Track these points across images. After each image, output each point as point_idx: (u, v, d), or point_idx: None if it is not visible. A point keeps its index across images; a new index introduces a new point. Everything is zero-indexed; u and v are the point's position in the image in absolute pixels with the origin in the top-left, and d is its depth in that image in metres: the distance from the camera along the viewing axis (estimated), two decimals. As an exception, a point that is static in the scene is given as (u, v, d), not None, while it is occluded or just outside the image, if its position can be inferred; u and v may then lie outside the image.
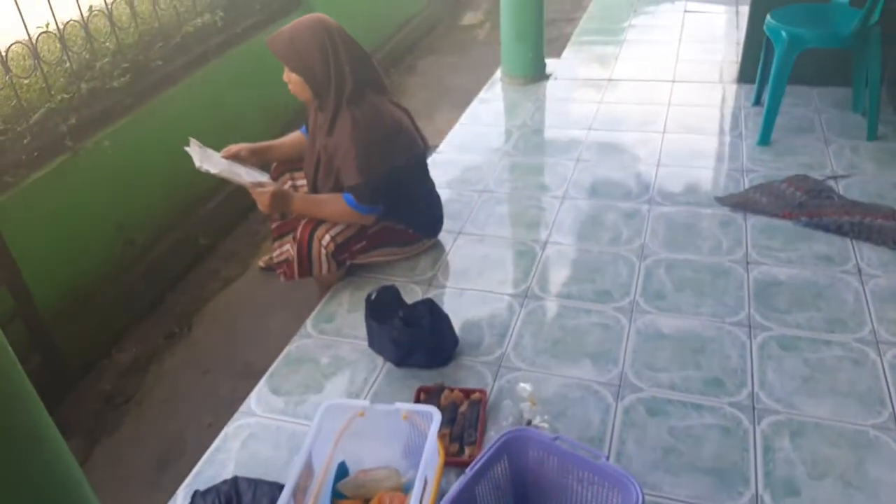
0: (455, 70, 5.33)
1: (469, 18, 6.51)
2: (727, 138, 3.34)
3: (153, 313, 2.94)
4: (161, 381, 2.57)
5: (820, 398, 1.91)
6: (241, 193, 3.41)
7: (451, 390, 1.92)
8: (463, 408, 1.87)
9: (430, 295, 2.43)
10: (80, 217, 2.62)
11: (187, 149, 2.37)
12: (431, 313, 2.03)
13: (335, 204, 2.32)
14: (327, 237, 2.34)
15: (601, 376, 2.01)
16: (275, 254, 2.77)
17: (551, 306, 2.32)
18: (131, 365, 2.67)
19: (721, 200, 2.80)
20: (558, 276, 2.47)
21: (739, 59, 3.99)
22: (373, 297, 2.08)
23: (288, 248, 2.60)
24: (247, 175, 2.39)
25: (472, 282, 2.48)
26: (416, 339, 2.01)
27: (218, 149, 2.50)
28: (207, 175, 2.29)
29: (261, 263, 3.13)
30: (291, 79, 2.27)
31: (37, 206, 2.43)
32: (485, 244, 2.69)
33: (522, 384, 1.90)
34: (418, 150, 2.46)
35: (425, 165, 2.58)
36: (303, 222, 2.39)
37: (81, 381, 2.60)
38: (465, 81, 5.07)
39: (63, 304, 2.57)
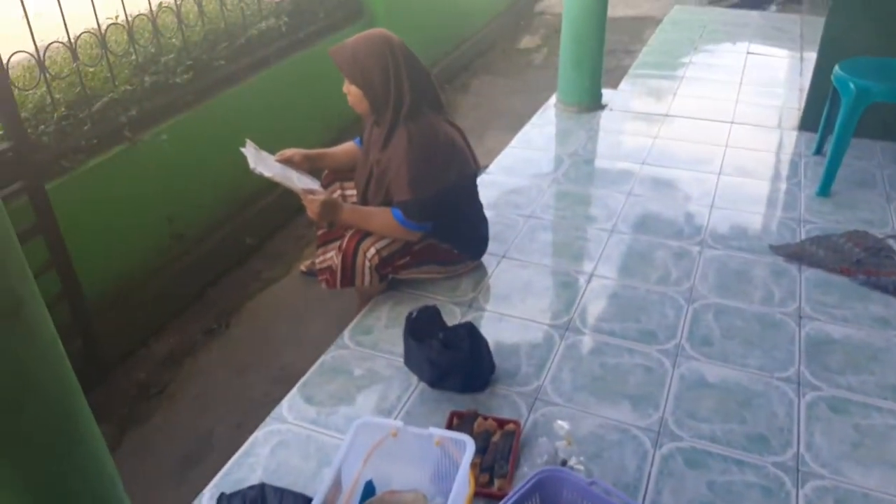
0: (509, 92, 5.33)
1: (526, 42, 6.51)
2: (785, 186, 3.26)
3: (193, 307, 2.96)
4: (195, 376, 2.58)
5: (868, 467, 1.82)
6: (289, 196, 3.42)
7: (485, 418, 1.88)
8: (496, 438, 1.83)
9: (469, 317, 2.40)
10: (132, 207, 2.66)
11: (243, 150, 2.39)
12: (471, 337, 2.00)
13: (383, 218, 2.32)
14: (372, 250, 2.33)
15: (640, 420, 1.95)
16: (318, 259, 2.78)
17: (593, 342, 2.27)
18: (167, 357, 2.69)
19: (776, 249, 2.73)
20: (602, 310, 2.42)
21: (802, 106, 3.90)
22: (413, 315, 2.05)
23: (332, 256, 2.60)
24: (298, 181, 2.40)
25: (513, 308, 2.44)
26: (454, 362, 1.98)
27: (272, 152, 2.51)
28: (259, 177, 2.30)
29: (303, 268, 3.14)
30: (351, 91, 2.29)
31: (91, 193, 2.47)
32: (528, 270, 2.66)
33: (560, 422, 1.85)
34: (470, 171, 2.45)
35: (475, 186, 2.56)
36: (349, 233, 2.39)
37: (118, 368, 2.62)
38: (518, 104, 5.06)
39: (108, 291, 2.60)
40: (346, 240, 2.38)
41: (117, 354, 2.65)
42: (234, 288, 3.08)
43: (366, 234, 2.36)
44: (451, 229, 2.48)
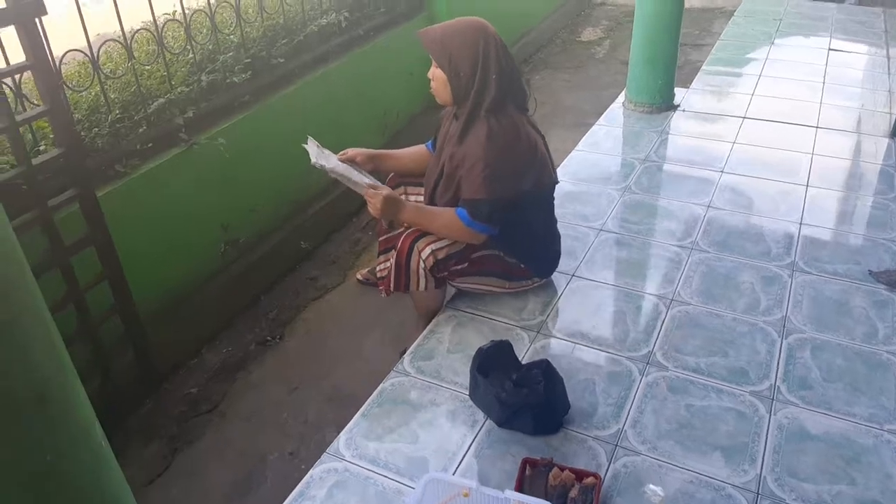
0: (570, 88, 5.09)
1: (588, 34, 6.24)
2: (882, 201, 2.98)
3: (246, 316, 2.85)
4: (247, 391, 2.47)
5: None
6: (345, 199, 3.33)
7: (561, 469, 1.71)
8: (573, 493, 1.66)
9: (538, 344, 2.22)
10: (186, 214, 2.55)
11: (305, 145, 2.25)
12: (546, 377, 1.83)
13: (447, 217, 2.15)
14: (427, 250, 2.16)
15: (735, 477, 1.75)
16: (378, 268, 2.64)
17: (677, 379, 2.07)
18: (219, 368, 2.59)
19: (877, 276, 2.47)
20: (685, 342, 2.21)
21: (893, 110, 3.59)
22: (484, 350, 1.88)
23: (391, 264, 2.45)
24: (360, 177, 2.25)
25: (585, 335, 2.26)
26: (526, 403, 1.81)
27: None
28: (321, 170, 2.17)
29: (359, 276, 3.00)
30: (436, 75, 2.13)
31: (145, 200, 2.37)
32: (601, 292, 2.46)
33: (652, 487, 1.67)
34: (548, 180, 2.27)
35: (552, 199, 2.38)
36: (406, 232, 2.23)
37: (169, 380, 2.53)
38: (581, 101, 4.83)
39: (160, 300, 2.51)
40: (401, 239, 2.23)
41: (169, 366, 2.56)
42: (289, 296, 2.96)
43: (422, 235, 2.19)
44: (519, 241, 2.30)
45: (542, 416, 1.85)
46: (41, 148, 2.06)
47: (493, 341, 1.94)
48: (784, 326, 2.27)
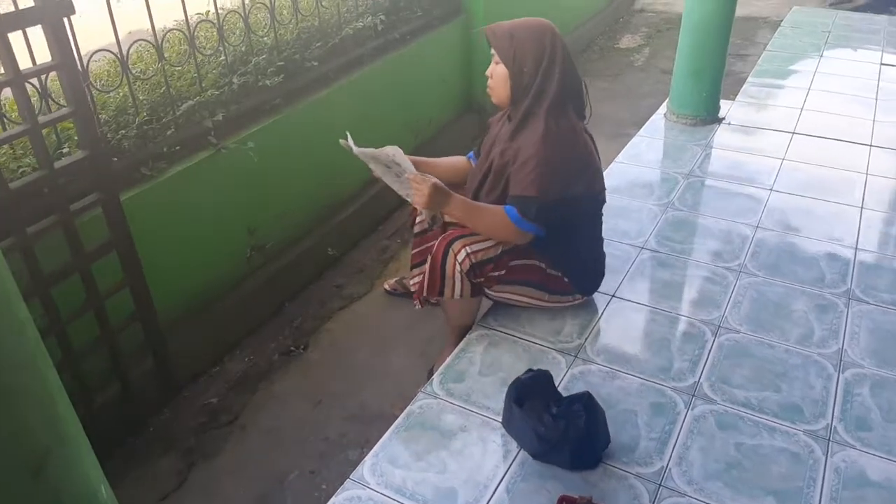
0: (609, 96, 4.95)
1: (627, 41, 6.09)
2: (943, 226, 2.81)
3: (271, 324, 2.77)
4: (269, 403, 2.38)
5: None
6: (374, 204, 3.24)
7: (602, 509, 1.59)
8: (615, 536, 1.54)
9: (576, 370, 2.10)
10: (212, 218, 2.48)
11: (342, 141, 2.16)
12: (587, 410, 1.70)
13: (494, 214, 2.05)
14: (463, 253, 2.06)
15: (791, 527, 1.62)
16: (412, 281, 2.53)
17: (725, 414, 1.93)
18: (241, 378, 2.51)
19: (941, 308, 2.31)
20: (734, 374, 2.07)
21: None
22: (522, 380, 1.77)
23: (426, 267, 2.36)
24: (408, 164, 2.13)
25: (627, 362, 2.13)
26: (565, 437, 1.69)
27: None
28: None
29: (386, 286, 2.90)
30: (496, 72, 2.06)
31: (170, 204, 2.29)
32: (644, 315, 2.33)
33: None
34: (599, 188, 2.18)
35: (601, 213, 2.26)
36: (442, 236, 2.13)
37: (189, 389, 2.46)
38: (619, 110, 4.69)
39: (182, 306, 2.43)
40: (437, 242, 2.13)
41: (190, 374, 2.49)
42: (314, 304, 2.87)
43: (459, 237, 2.09)
44: (564, 252, 2.18)
45: (581, 451, 1.73)
46: (65, 150, 1.99)
47: (530, 371, 1.82)
48: (841, 360, 2.12)
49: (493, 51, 2.06)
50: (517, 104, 2.04)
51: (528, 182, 1.98)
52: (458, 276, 2.08)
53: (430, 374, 2.21)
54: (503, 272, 2.14)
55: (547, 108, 1.99)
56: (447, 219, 2.23)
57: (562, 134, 1.99)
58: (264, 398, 2.41)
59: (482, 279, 2.12)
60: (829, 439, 1.84)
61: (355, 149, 2.12)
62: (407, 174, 2.04)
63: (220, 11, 2.51)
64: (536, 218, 2.01)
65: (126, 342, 2.16)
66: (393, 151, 2.04)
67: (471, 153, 2.38)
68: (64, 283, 1.89)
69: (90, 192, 1.95)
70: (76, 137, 1.97)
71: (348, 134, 2.19)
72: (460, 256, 2.06)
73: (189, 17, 2.42)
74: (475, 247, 2.07)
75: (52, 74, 1.92)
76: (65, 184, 1.87)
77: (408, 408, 2.01)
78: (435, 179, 2.02)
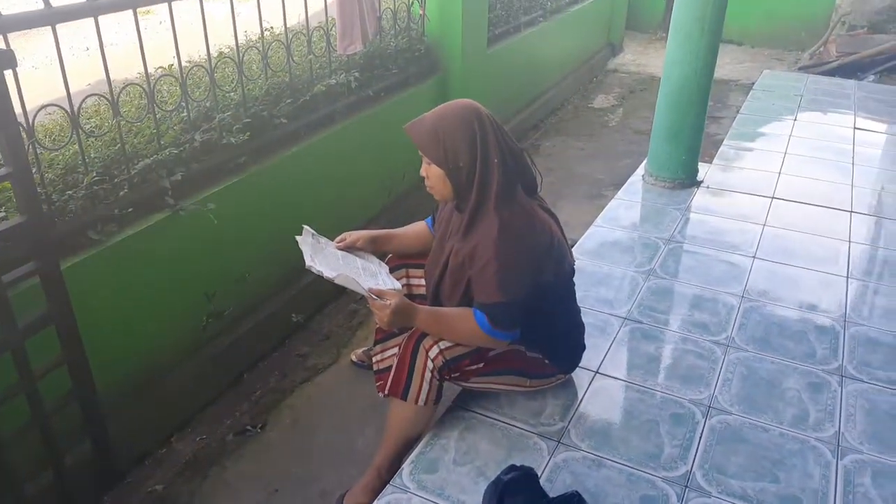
0: (584, 156, 4.91)
1: (601, 101, 6.12)
2: (931, 297, 2.73)
3: (226, 398, 2.57)
4: (220, 492, 2.17)
5: None
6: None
7: None
8: None
9: (559, 457, 1.93)
10: (166, 285, 2.30)
11: (298, 238, 2.00)
12: (576, 510, 1.53)
13: (465, 324, 1.86)
14: (436, 349, 1.88)
15: None
16: (375, 358, 2.35)
17: (721, 508, 1.77)
18: (190, 462, 2.29)
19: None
20: (728, 460, 1.92)
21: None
22: (504, 480, 1.59)
23: (393, 355, 2.18)
24: (363, 273, 1.99)
25: (614, 448, 1.96)
26: (551, 540, 1.51)
27: (326, 224, 2.11)
28: (318, 275, 1.88)
29: (353, 357, 2.73)
30: (431, 173, 1.87)
31: (119, 270, 2.11)
32: (629, 394, 2.18)
33: None
34: (568, 268, 2.01)
35: (572, 284, 2.11)
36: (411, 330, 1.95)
37: (132, 474, 2.23)
38: (595, 170, 4.64)
39: (128, 382, 2.23)
40: (405, 338, 1.95)
41: (135, 456, 2.26)
42: (275, 375, 2.68)
43: None
44: (543, 335, 2.02)
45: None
46: (1, 214, 1.81)
47: (512, 468, 1.65)
48: (838, 445, 1.98)
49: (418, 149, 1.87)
50: (462, 198, 1.87)
51: (492, 288, 1.80)
52: (427, 376, 1.88)
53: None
54: (482, 364, 1.96)
55: (495, 199, 1.81)
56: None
57: (517, 225, 1.82)
58: (215, 485, 2.19)
59: (458, 374, 1.95)
60: (835, 539, 1.69)
61: (307, 261, 1.90)
62: (366, 292, 1.85)
63: (184, 65, 2.38)
64: (510, 324, 1.85)
65: (61, 423, 1.94)
66: (342, 281, 1.84)
67: (429, 219, 2.24)
68: (-9, 362, 1.69)
69: (27, 261, 1.77)
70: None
71: (305, 227, 2.04)
72: (432, 353, 1.88)
73: (152, 71, 2.29)
74: (448, 342, 1.91)
75: None
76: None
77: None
78: (396, 302, 1.81)
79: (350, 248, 2.11)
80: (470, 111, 1.84)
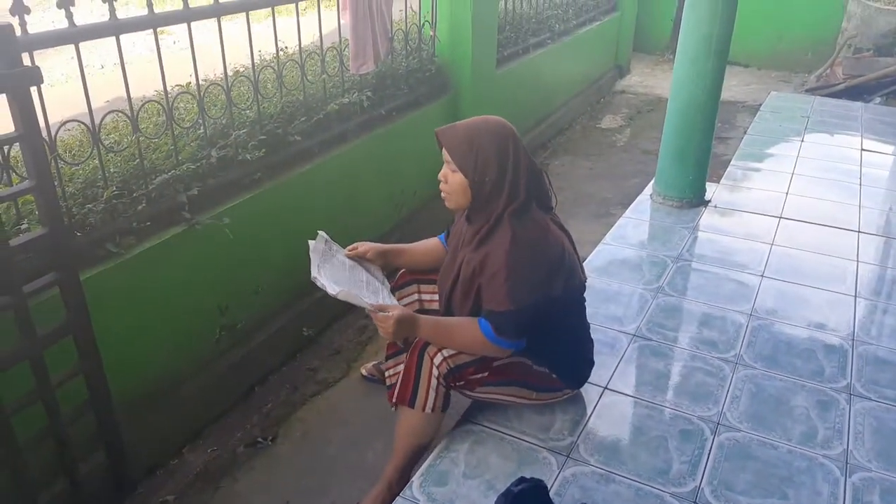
0: (592, 176, 4.95)
1: (608, 121, 6.17)
2: (939, 317, 2.74)
3: (237, 410, 2.59)
4: (231, 503, 2.19)
5: None
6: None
7: None
8: None
9: (568, 472, 1.94)
10: (181, 297, 2.33)
11: (311, 243, 2.04)
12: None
13: (468, 332, 1.90)
14: (440, 356, 1.90)
15: None
16: (388, 373, 2.37)
17: (730, 524, 1.78)
18: (202, 473, 2.31)
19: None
20: (736, 477, 1.93)
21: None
22: (514, 492, 1.61)
23: (401, 370, 2.20)
24: (367, 288, 2.02)
25: (622, 463, 1.98)
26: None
27: (337, 239, 2.15)
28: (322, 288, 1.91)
29: (363, 371, 2.75)
30: (452, 179, 1.88)
31: (136, 282, 2.15)
32: (638, 410, 2.20)
33: None
34: (578, 282, 2.04)
35: (583, 300, 2.14)
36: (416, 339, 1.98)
37: (143, 485, 2.25)
38: (603, 190, 4.68)
39: (142, 393, 2.25)
40: (410, 349, 1.98)
41: (146, 466, 2.28)
42: (286, 388, 2.70)
43: None
44: (549, 348, 2.04)
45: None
46: (24, 226, 1.86)
47: (522, 480, 1.66)
48: (847, 463, 1.99)
49: (445, 153, 1.88)
50: (479, 209, 1.90)
51: (501, 297, 1.83)
52: (433, 383, 1.91)
53: None
54: (486, 374, 1.98)
55: (511, 213, 1.84)
56: None
57: (529, 237, 1.85)
58: (226, 497, 2.21)
59: (462, 382, 1.97)
60: (844, 556, 1.69)
61: (313, 272, 1.92)
62: (368, 306, 1.89)
63: (202, 83, 2.43)
64: (515, 333, 1.87)
65: (76, 433, 1.97)
66: (345, 297, 1.86)
67: (442, 235, 2.27)
68: (13, 370, 1.73)
69: (48, 272, 1.81)
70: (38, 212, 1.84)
71: (319, 233, 2.08)
72: (437, 360, 1.90)
73: (171, 89, 2.34)
74: (453, 350, 1.93)
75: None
76: (22, 260, 1.73)
77: (384, 515, 1.83)
78: (398, 313, 1.85)
79: (360, 259, 2.14)
80: (507, 130, 1.88)
